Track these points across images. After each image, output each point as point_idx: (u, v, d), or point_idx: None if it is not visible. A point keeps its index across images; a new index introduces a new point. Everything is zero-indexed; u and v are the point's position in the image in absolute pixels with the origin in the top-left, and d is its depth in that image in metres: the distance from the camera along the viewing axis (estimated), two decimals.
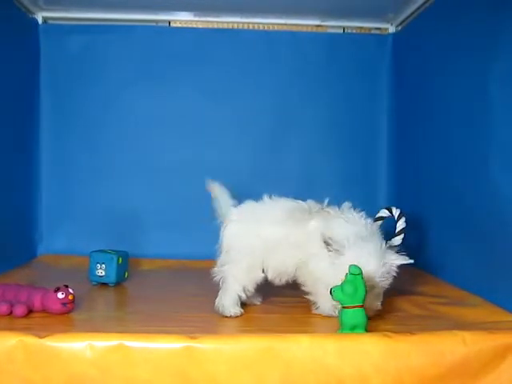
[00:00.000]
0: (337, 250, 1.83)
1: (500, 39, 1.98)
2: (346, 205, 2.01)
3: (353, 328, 1.65)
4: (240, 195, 3.05)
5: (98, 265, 2.37)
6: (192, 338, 1.50)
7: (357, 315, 1.66)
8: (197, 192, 3.13)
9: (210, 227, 3.11)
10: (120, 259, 2.39)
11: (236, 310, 1.93)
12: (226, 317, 1.90)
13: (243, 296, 1.96)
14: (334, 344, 1.52)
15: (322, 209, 2.01)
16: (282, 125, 3.18)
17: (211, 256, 2.97)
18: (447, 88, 2.42)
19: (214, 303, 1.96)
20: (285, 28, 3.24)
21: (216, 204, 2.14)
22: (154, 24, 3.21)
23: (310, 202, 2.04)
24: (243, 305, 1.98)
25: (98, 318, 1.91)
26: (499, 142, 1.96)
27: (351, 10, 3.06)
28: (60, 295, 1.86)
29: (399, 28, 3.19)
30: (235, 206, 2.09)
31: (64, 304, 1.87)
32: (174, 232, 3.10)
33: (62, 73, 3.11)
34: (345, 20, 3.23)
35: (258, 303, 2.10)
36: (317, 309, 1.95)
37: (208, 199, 3.12)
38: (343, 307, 1.67)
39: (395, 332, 1.62)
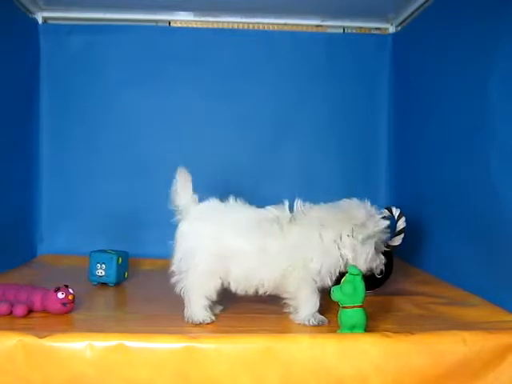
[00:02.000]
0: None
1: (500, 39, 1.98)
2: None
3: (352, 328, 1.65)
4: (239, 195, 3.05)
5: (98, 265, 2.37)
6: (192, 338, 1.50)
7: (356, 315, 1.66)
8: (197, 192, 3.14)
9: None
10: (120, 259, 2.39)
11: (205, 316, 1.83)
12: (197, 325, 1.81)
13: (208, 302, 1.86)
14: (333, 344, 1.53)
15: (290, 219, 1.90)
16: (281, 124, 3.18)
17: None
18: (447, 88, 2.42)
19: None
20: (285, 28, 3.24)
21: (175, 195, 2.01)
22: (154, 24, 3.21)
23: (272, 209, 1.93)
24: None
25: (97, 318, 1.91)
26: (499, 142, 1.96)
27: (351, 10, 3.06)
28: (60, 295, 1.86)
29: (399, 28, 3.19)
30: (195, 200, 1.98)
31: (64, 304, 1.87)
32: (173, 232, 3.08)
33: (61, 73, 3.11)
34: (345, 20, 3.23)
35: (217, 312, 1.96)
36: (296, 314, 1.85)
37: (206, 199, 3.14)
38: (342, 307, 1.68)
39: (395, 332, 1.62)
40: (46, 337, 1.49)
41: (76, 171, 3.13)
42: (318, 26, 3.24)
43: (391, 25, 3.23)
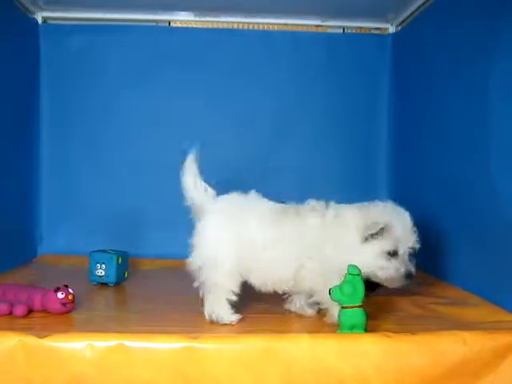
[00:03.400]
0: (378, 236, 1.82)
1: (500, 39, 1.98)
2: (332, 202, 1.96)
3: (352, 328, 1.65)
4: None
5: (98, 265, 2.37)
6: (192, 337, 1.50)
7: (356, 315, 1.66)
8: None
9: None
10: (120, 259, 2.39)
11: (233, 317, 1.82)
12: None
13: (232, 299, 1.85)
14: (334, 344, 1.52)
15: (314, 206, 1.92)
16: (281, 124, 3.18)
17: None
18: (447, 88, 2.42)
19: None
20: (285, 28, 3.24)
21: (188, 192, 2.00)
22: (153, 24, 3.21)
23: (291, 204, 1.94)
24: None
25: (97, 318, 1.91)
26: (499, 143, 1.97)
27: (351, 10, 3.07)
28: (60, 295, 1.86)
29: (399, 28, 3.19)
30: (212, 194, 1.96)
31: (64, 304, 1.87)
32: (173, 232, 3.08)
33: (61, 72, 3.11)
34: (345, 20, 3.23)
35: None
36: (331, 316, 1.82)
37: None
38: (342, 307, 1.67)
39: (395, 332, 1.62)
40: (46, 337, 1.49)
41: (76, 172, 3.13)
42: (318, 26, 3.24)
43: (391, 25, 3.23)
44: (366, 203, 1.93)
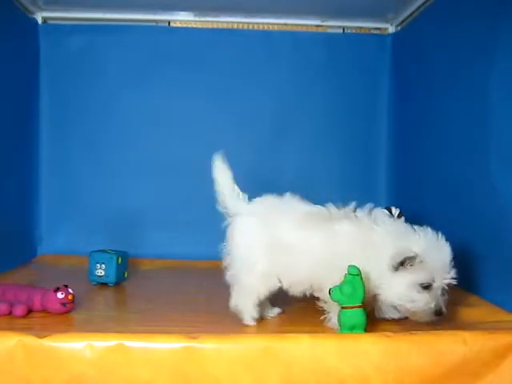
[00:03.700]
0: (411, 266, 1.71)
1: (500, 39, 1.98)
2: (377, 210, 1.87)
3: (352, 328, 1.65)
4: None
5: (98, 265, 2.37)
6: (192, 337, 1.50)
7: (356, 315, 1.66)
8: (196, 192, 3.14)
9: (209, 227, 3.12)
10: (119, 259, 2.39)
11: (255, 314, 1.81)
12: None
13: (258, 303, 1.83)
14: (333, 344, 1.52)
15: (348, 212, 1.85)
16: (281, 124, 3.18)
17: (211, 256, 2.96)
18: (447, 88, 2.42)
19: (215, 303, 1.91)
20: (285, 28, 3.24)
21: (221, 196, 1.97)
22: (153, 24, 3.21)
23: (330, 207, 1.88)
24: None
25: (97, 318, 1.91)
26: (499, 143, 1.96)
27: (351, 10, 3.07)
28: (60, 295, 1.86)
29: (399, 28, 3.19)
30: (244, 197, 1.94)
31: (64, 304, 1.87)
32: (173, 232, 3.10)
33: (61, 72, 3.11)
34: (345, 20, 3.23)
35: (273, 315, 1.96)
36: (329, 321, 1.79)
37: (208, 199, 3.14)
38: (342, 307, 1.67)
39: (395, 332, 1.62)
40: (45, 337, 1.48)
41: (76, 171, 3.13)
42: (317, 26, 3.24)
43: (391, 25, 3.23)
44: (404, 225, 1.82)
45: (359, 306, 1.66)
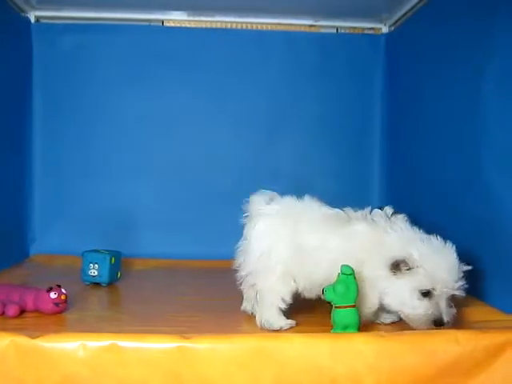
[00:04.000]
0: (408, 269, 1.69)
1: (494, 40, 1.99)
2: (387, 210, 1.86)
3: (345, 328, 1.65)
4: (232, 194, 3.05)
5: (91, 265, 2.36)
6: (185, 337, 1.50)
7: (349, 315, 1.66)
8: (190, 191, 3.15)
9: (203, 227, 3.13)
10: (113, 259, 2.38)
11: (282, 322, 1.78)
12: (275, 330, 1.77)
13: (283, 306, 1.79)
14: (327, 344, 1.52)
15: (365, 215, 1.84)
16: (275, 124, 3.18)
17: (205, 256, 2.99)
18: (440, 88, 2.43)
19: (209, 303, 1.90)
20: (278, 28, 3.24)
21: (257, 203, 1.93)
22: (147, 23, 3.20)
23: (348, 210, 1.87)
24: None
25: (90, 318, 1.90)
26: (492, 143, 1.97)
27: (344, 10, 3.07)
28: (52, 295, 1.86)
29: (392, 28, 3.20)
30: (264, 199, 1.92)
31: (56, 304, 1.86)
32: (167, 232, 3.09)
33: (54, 72, 3.10)
34: (338, 20, 3.24)
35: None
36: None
37: (201, 199, 3.15)
38: (335, 307, 1.67)
39: (388, 331, 1.62)
40: (38, 337, 1.48)
41: (69, 171, 3.12)
42: (311, 25, 3.24)
43: (384, 25, 3.24)
44: (418, 232, 1.80)
45: (352, 306, 1.66)
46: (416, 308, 1.69)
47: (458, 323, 1.77)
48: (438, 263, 1.69)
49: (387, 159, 3.16)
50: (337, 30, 3.28)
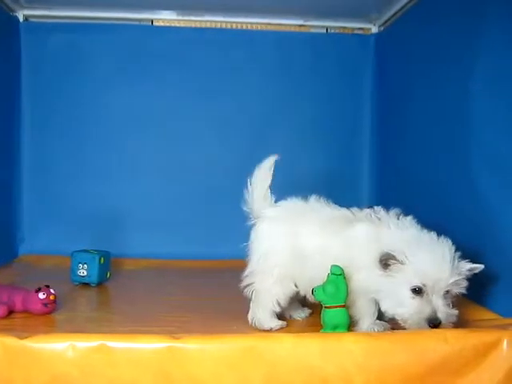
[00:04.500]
0: (397, 263, 1.63)
1: (483, 40, 2.00)
2: (395, 211, 1.81)
3: (334, 328, 1.66)
4: (221, 194, 3.06)
5: (80, 265, 2.35)
6: (175, 337, 1.49)
7: (338, 315, 1.66)
8: (179, 191, 3.15)
9: (193, 226, 3.13)
10: (102, 259, 2.38)
11: (273, 323, 1.79)
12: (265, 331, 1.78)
13: (277, 309, 1.81)
14: (317, 343, 1.52)
15: (370, 215, 1.81)
16: (266, 123, 3.18)
17: (194, 256, 2.99)
18: (430, 88, 2.44)
19: (199, 303, 1.90)
20: (268, 28, 3.24)
21: (249, 197, 1.91)
22: (136, 23, 3.20)
23: (355, 210, 1.86)
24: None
25: (79, 319, 1.90)
26: (481, 142, 1.98)
27: (334, 10, 3.08)
28: (41, 295, 1.85)
29: (382, 28, 3.21)
30: (270, 200, 1.90)
31: (45, 304, 1.85)
32: (156, 232, 3.09)
33: (43, 71, 3.09)
34: (328, 20, 3.24)
35: (304, 316, 1.95)
36: (356, 326, 1.77)
37: (191, 199, 3.14)
38: (325, 307, 1.68)
39: (378, 331, 1.62)
40: (27, 338, 1.47)
41: (58, 171, 3.11)
42: (301, 25, 3.25)
43: (374, 25, 3.25)
44: (422, 232, 1.74)
45: (342, 306, 1.66)
46: (408, 307, 1.63)
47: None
48: (427, 258, 1.62)
49: (377, 159, 3.17)
50: (327, 30, 3.29)
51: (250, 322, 1.80)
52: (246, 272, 1.86)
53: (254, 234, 1.87)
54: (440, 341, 1.54)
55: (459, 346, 1.54)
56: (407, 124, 2.70)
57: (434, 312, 1.61)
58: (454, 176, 2.18)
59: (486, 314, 1.85)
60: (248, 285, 1.84)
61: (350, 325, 1.71)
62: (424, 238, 1.69)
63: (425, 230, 1.74)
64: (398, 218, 1.79)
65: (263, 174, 1.92)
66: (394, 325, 1.73)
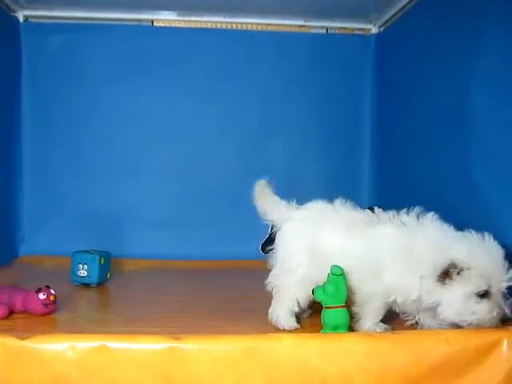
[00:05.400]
0: (459, 275, 1.59)
1: (482, 40, 2.00)
2: (427, 215, 1.79)
3: (335, 328, 1.66)
4: (222, 194, 3.06)
5: (80, 265, 2.35)
6: (175, 338, 1.49)
7: (339, 315, 1.66)
8: (180, 192, 3.15)
9: (193, 227, 3.13)
10: (102, 259, 2.37)
11: (290, 322, 1.78)
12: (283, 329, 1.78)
13: (296, 309, 1.80)
14: (317, 344, 1.52)
15: (393, 217, 1.80)
16: (265, 124, 3.19)
17: (194, 256, 2.99)
18: (429, 88, 2.44)
19: (198, 303, 1.89)
20: (268, 28, 3.24)
21: (266, 211, 1.91)
22: (137, 23, 3.20)
23: (379, 211, 1.85)
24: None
25: (79, 319, 1.90)
26: (480, 142, 1.98)
27: (334, 10, 3.08)
28: (41, 296, 1.84)
29: (382, 29, 3.21)
30: (285, 204, 1.90)
31: (45, 305, 1.85)
32: (156, 232, 3.09)
33: (43, 71, 3.09)
34: (328, 20, 3.25)
35: (306, 316, 1.93)
36: (358, 323, 1.75)
37: (191, 199, 3.14)
38: (325, 307, 1.68)
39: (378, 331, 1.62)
40: (27, 338, 1.47)
41: (58, 171, 3.11)
42: (301, 26, 3.25)
43: (374, 25, 3.25)
44: (448, 231, 1.72)
45: (342, 306, 1.66)
46: (478, 312, 1.59)
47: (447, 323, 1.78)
48: (487, 260, 1.60)
49: (377, 159, 3.17)
50: (327, 30, 3.29)
51: (269, 317, 1.81)
52: (273, 272, 1.86)
53: (280, 235, 1.88)
54: (441, 341, 1.54)
55: (460, 346, 1.54)
56: (407, 124, 2.70)
57: (504, 310, 1.60)
58: (453, 176, 2.18)
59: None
60: (272, 283, 1.84)
61: (351, 321, 1.71)
62: (473, 239, 1.65)
63: (452, 229, 1.73)
64: (418, 218, 1.78)
65: (261, 195, 1.94)
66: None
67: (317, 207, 1.89)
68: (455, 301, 1.60)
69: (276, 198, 1.93)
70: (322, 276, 1.75)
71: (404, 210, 1.82)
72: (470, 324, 1.61)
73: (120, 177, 3.11)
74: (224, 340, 1.53)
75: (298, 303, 1.80)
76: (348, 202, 1.88)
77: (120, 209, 3.07)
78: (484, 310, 1.59)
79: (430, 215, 1.78)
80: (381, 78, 3.14)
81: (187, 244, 3.04)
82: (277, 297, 1.82)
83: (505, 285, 1.60)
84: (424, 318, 1.77)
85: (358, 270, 1.73)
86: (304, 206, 1.91)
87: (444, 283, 1.61)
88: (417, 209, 1.82)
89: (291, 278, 1.80)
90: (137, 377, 1.47)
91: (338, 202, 1.88)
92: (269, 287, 1.85)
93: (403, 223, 1.77)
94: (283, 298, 1.80)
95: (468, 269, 1.59)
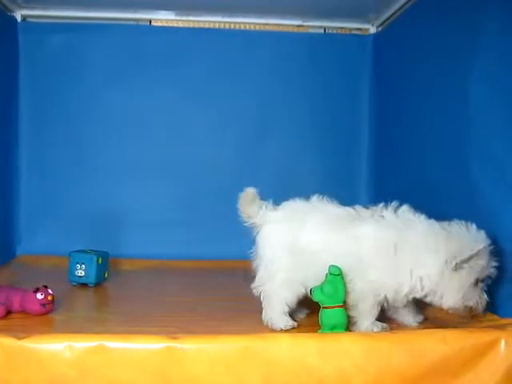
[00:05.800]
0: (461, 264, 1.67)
1: (479, 40, 2.00)
2: (404, 208, 1.82)
3: (332, 328, 1.66)
4: (220, 194, 3.05)
5: (78, 265, 2.35)
6: (172, 338, 1.49)
7: (336, 315, 1.66)
8: (177, 192, 3.15)
9: (190, 227, 3.13)
10: (100, 259, 2.37)
11: (285, 322, 1.78)
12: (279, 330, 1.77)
13: (286, 310, 1.80)
14: (314, 344, 1.52)
15: (374, 213, 1.81)
16: (263, 124, 3.19)
17: (191, 256, 2.99)
18: (427, 87, 2.44)
19: (196, 303, 1.90)
20: (266, 28, 3.24)
21: (246, 215, 1.90)
22: (134, 23, 3.20)
23: (359, 208, 1.85)
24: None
25: (77, 319, 1.90)
26: (478, 141, 1.99)
27: (332, 10, 3.08)
28: (39, 296, 1.84)
29: (380, 29, 3.21)
30: (264, 206, 1.89)
31: (43, 305, 1.85)
32: (154, 232, 3.08)
33: (41, 71, 3.08)
34: (326, 20, 3.24)
35: (303, 316, 1.93)
36: (355, 325, 1.75)
37: (189, 199, 3.14)
38: (323, 307, 1.68)
39: (376, 331, 1.62)
40: (24, 338, 1.47)
41: (55, 171, 3.10)
42: (299, 26, 3.25)
43: (372, 25, 3.25)
44: (444, 224, 1.78)
45: (340, 306, 1.67)
46: (472, 298, 1.71)
47: (445, 323, 1.78)
48: (486, 251, 1.69)
49: (375, 158, 3.17)
50: (324, 30, 3.29)
51: (264, 321, 1.80)
52: (257, 277, 1.85)
53: (258, 238, 1.87)
54: (439, 341, 1.54)
55: (458, 346, 1.54)
56: (405, 124, 2.70)
57: (485, 295, 1.72)
58: (452, 175, 2.18)
59: (484, 315, 1.85)
60: (258, 287, 1.84)
61: (348, 324, 1.71)
62: (471, 230, 1.73)
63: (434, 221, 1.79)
64: (396, 212, 1.80)
65: (247, 202, 1.90)
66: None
67: (293, 206, 1.88)
68: (460, 286, 1.68)
69: (258, 202, 1.90)
70: (306, 276, 1.77)
71: (381, 205, 1.83)
72: (464, 308, 1.71)
73: (118, 177, 3.11)
74: (222, 340, 1.53)
75: (288, 305, 1.80)
76: (325, 198, 1.87)
77: (117, 208, 3.07)
78: (476, 296, 1.70)
79: (405, 208, 1.82)
80: (379, 78, 3.14)
81: (185, 244, 3.04)
82: (265, 301, 1.81)
83: (489, 273, 1.72)
84: (400, 315, 1.85)
85: (345, 269, 1.72)
86: (280, 206, 1.89)
87: (456, 270, 1.67)
88: (394, 203, 1.84)
89: (275, 281, 1.80)
90: (135, 377, 1.47)
91: (314, 198, 1.88)
92: (255, 291, 1.85)
93: (384, 218, 1.78)
94: (272, 302, 1.80)
95: (480, 258, 1.67)
